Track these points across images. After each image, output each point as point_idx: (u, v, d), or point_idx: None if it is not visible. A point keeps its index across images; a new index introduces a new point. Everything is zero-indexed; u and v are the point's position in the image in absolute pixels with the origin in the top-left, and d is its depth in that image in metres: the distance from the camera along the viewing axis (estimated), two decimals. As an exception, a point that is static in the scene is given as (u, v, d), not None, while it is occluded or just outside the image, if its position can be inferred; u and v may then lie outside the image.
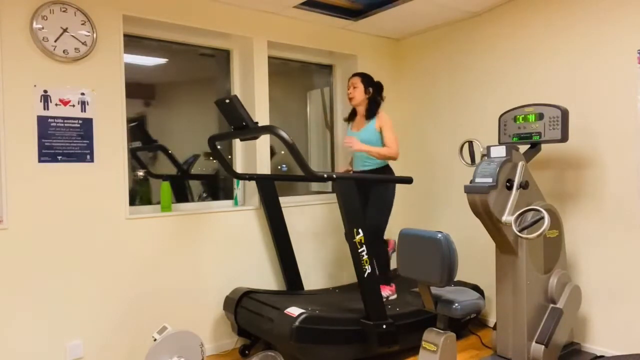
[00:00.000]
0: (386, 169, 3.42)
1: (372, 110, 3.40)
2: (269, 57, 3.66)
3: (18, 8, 2.59)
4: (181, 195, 3.46)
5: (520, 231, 2.41)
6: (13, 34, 2.58)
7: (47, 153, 2.68)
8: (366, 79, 3.42)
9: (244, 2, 3.32)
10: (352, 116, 3.57)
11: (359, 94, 3.40)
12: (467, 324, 3.49)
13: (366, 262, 2.82)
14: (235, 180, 3.61)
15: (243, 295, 3.14)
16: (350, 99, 3.44)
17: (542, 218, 2.31)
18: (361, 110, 3.46)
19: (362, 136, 3.36)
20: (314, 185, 4.18)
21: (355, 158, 3.49)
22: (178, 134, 3.44)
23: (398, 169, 4.32)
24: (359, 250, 2.81)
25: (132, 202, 3.18)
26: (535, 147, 2.94)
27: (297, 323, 2.66)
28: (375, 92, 3.43)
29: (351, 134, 3.47)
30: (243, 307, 3.08)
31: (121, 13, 2.91)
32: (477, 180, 2.68)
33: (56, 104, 2.70)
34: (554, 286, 2.80)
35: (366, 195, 3.40)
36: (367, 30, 4.06)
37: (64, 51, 2.70)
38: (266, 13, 3.54)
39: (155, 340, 2.53)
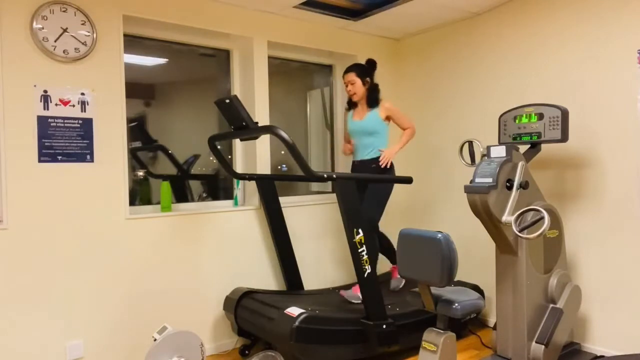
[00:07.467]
0: None
1: (372, 97, 3.38)
2: (269, 57, 3.66)
3: (18, 8, 2.59)
4: (181, 195, 3.46)
5: (520, 231, 2.40)
6: (13, 34, 2.58)
7: (47, 153, 2.68)
8: (360, 71, 3.37)
9: (244, 2, 3.32)
10: (352, 104, 3.53)
11: (359, 89, 3.37)
12: (467, 324, 3.49)
13: (366, 262, 2.83)
14: (235, 180, 3.61)
15: (243, 295, 3.14)
16: (352, 96, 3.41)
17: (542, 218, 2.31)
18: (362, 100, 3.44)
19: (367, 125, 3.35)
20: (314, 185, 4.18)
21: (357, 147, 3.47)
22: (178, 134, 3.44)
23: (398, 169, 4.32)
24: (359, 250, 2.81)
25: (132, 202, 3.18)
26: (535, 147, 2.94)
27: (297, 323, 2.66)
28: (372, 79, 3.40)
29: (353, 123, 3.45)
30: (243, 307, 3.08)
31: (121, 13, 2.91)
32: (477, 180, 2.68)
33: (56, 104, 2.70)
34: (554, 286, 2.80)
35: (364, 186, 3.39)
36: (367, 30, 4.06)
37: (64, 51, 2.70)
38: (266, 13, 3.54)
39: (155, 340, 2.53)
